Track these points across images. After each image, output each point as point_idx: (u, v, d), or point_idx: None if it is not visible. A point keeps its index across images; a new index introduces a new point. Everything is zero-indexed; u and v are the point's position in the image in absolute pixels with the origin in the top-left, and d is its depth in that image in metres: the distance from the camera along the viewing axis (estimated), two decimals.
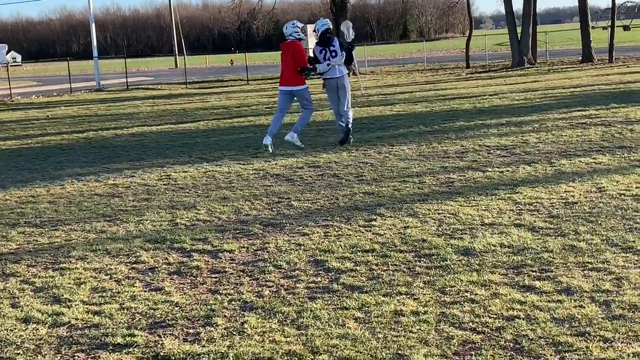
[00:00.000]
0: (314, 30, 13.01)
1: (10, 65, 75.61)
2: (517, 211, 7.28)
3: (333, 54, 12.52)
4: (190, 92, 31.27)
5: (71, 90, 35.06)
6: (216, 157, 12.02)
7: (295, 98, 12.64)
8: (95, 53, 37.90)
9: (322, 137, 13.78)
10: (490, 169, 9.55)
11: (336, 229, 7.01)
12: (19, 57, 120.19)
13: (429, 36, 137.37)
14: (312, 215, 7.63)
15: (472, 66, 36.85)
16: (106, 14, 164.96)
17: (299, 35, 12.52)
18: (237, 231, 7.16)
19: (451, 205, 7.67)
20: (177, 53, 73.43)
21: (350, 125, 12.69)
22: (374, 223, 7.14)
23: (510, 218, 7.03)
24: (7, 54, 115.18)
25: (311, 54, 12.99)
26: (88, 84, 40.43)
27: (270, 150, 12.22)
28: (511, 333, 4.39)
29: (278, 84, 12.96)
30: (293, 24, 12.65)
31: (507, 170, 9.38)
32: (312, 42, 12.78)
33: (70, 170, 11.53)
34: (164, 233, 7.22)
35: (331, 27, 12.89)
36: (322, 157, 11.35)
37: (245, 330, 4.67)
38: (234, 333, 4.64)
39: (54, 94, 34.34)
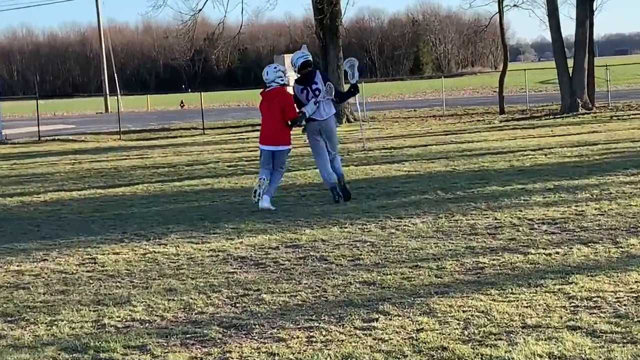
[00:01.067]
0: (291, 64, 13.94)
1: None
2: (571, 308, 7.27)
3: (316, 92, 13.64)
4: (126, 144, 31.39)
5: None
6: (159, 234, 12.00)
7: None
8: None
9: (304, 205, 13.80)
10: (533, 251, 9.55)
11: (323, 333, 6.97)
12: None
13: (449, 70, 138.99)
14: (290, 314, 7.59)
15: (508, 111, 37.28)
16: (12, 39, 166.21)
17: (282, 80, 13.78)
18: (187, 335, 7.11)
19: (481, 301, 7.65)
20: (108, 92, 74.04)
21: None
22: (375, 324, 7.11)
23: (561, 318, 7.01)
24: None
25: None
26: None
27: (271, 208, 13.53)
28: None
29: (258, 139, 14.36)
30: (275, 68, 13.91)
31: (557, 253, 9.39)
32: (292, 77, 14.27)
33: None
34: (86, 338, 7.15)
35: (310, 59, 14.11)
36: (305, 234, 11.34)
37: None
38: None
39: None
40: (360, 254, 9.90)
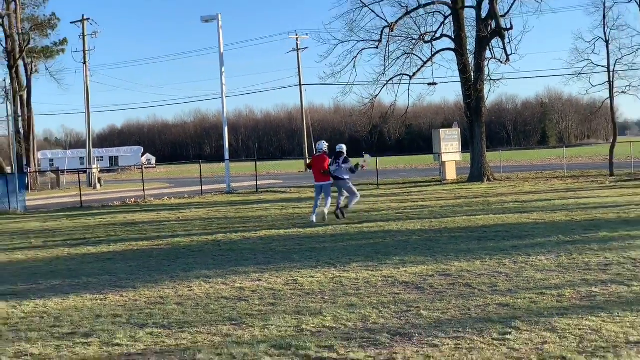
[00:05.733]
0: (336, 150, 19.64)
1: (145, 167, 79.62)
2: None
3: (339, 163, 19.39)
4: None
5: (202, 192, 36.43)
6: (344, 263, 12.13)
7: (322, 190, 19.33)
8: (226, 156, 39.41)
9: (454, 244, 13.69)
10: (636, 283, 9.19)
11: (468, 342, 6.90)
12: (153, 159, 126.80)
13: (570, 142, 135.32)
14: (442, 326, 7.55)
15: (617, 174, 35.91)
16: (239, 117, 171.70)
17: (325, 150, 19.60)
18: (364, 340, 7.16)
19: (593, 321, 7.42)
20: (307, 156, 75.25)
21: (345, 209, 19.53)
22: (508, 337, 6.99)
23: None
24: (142, 155, 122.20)
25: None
26: (218, 186, 41.94)
27: (314, 220, 18.98)
28: None
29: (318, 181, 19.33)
30: (323, 142, 20.03)
31: None
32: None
33: (198, 272, 11.90)
34: (289, 339, 7.31)
35: (344, 151, 19.63)
36: (454, 265, 11.26)
37: None
38: None
39: (185, 195, 35.75)
40: (497, 282, 9.75)
